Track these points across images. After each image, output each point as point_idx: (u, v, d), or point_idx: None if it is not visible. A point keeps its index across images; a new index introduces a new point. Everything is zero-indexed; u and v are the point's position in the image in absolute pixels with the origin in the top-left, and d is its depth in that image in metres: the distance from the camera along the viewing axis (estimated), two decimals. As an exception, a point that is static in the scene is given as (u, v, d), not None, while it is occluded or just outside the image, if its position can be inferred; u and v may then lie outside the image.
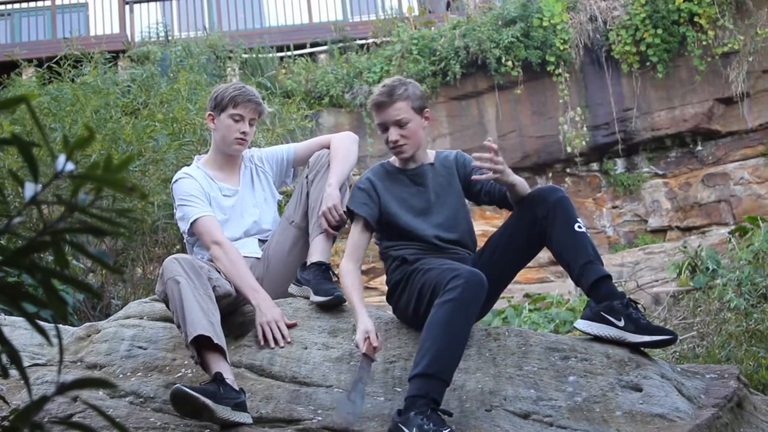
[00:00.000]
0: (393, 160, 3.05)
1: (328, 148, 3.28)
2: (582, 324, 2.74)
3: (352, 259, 2.89)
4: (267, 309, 2.93)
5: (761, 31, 10.32)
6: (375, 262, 8.81)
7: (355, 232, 2.94)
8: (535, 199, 2.78)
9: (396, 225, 2.92)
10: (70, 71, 6.79)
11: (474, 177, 2.82)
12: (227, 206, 3.26)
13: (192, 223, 3.13)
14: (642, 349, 2.72)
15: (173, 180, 3.30)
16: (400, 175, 3.00)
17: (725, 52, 10.41)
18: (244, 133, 3.25)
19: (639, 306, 2.72)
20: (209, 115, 3.30)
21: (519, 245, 2.83)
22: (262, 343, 2.89)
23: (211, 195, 3.23)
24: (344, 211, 3.06)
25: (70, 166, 0.85)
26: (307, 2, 13.26)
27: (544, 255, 4.07)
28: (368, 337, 2.63)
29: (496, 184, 2.84)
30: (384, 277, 3.10)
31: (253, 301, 2.95)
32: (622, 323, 2.66)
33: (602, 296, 2.68)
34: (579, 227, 2.72)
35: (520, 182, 2.78)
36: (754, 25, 10.42)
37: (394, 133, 2.90)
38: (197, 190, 3.19)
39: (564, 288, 7.82)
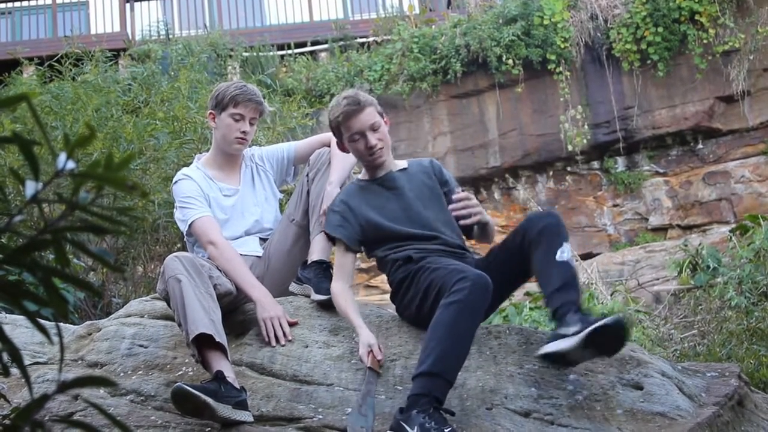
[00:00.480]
0: (362, 174, 3.08)
1: (329, 146, 3.28)
2: (543, 350, 2.58)
3: (341, 279, 2.93)
4: (269, 305, 2.93)
5: (762, 30, 10.31)
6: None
7: (338, 254, 2.97)
8: (526, 224, 2.76)
9: (384, 232, 2.93)
10: (71, 69, 6.78)
11: (461, 222, 2.91)
12: (228, 206, 3.26)
13: (190, 225, 3.14)
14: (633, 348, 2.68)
15: (173, 181, 3.30)
16: (371, 185, 3.02)
17: (726, 50, 10.40)
18: (244, 132, 3.25)
19: (586, 308, 2.57)
20: (210, 113, 3.31)
21: (514, 264, 2.79)
22: (267, 338, 2.89)
23: (210, 196, 3.23)
24: (324, 234, 3.04)
25: (71, 165, 0.85)
26: (307, 0, 13.26)
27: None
28: (371, 351, 2.67)
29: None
30: (385, 276, 3.09)
31: (254, 296, 2.95)
32: (578, 327, 2.44)
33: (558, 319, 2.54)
34: (560, 255, 2.61)
35: (491, 224, 3.00)
36: (755, 24, 10.41)
37: (372, 138, 2.93)
38: (196, 192, 3.19)
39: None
